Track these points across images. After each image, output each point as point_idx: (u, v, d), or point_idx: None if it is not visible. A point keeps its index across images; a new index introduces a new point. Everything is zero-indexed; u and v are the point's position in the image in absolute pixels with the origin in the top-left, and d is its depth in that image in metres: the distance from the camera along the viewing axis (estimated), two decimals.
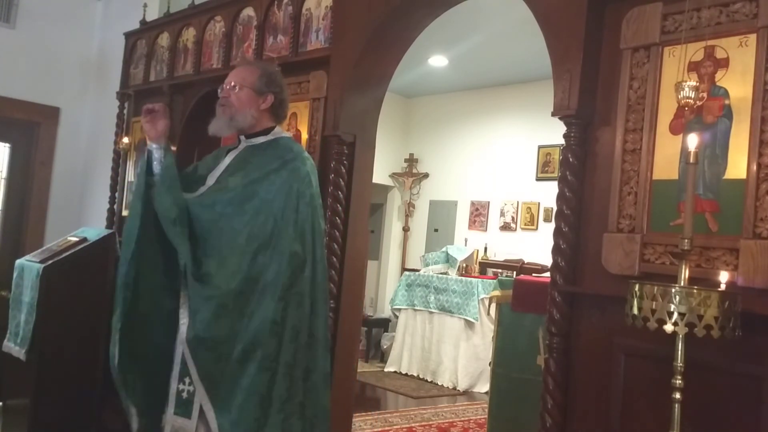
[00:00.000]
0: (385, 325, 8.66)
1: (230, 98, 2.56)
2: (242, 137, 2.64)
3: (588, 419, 2.46)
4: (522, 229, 8.11)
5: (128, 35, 5.38)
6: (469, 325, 7.02)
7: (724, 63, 2.24)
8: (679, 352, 1.93)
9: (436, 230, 9.12)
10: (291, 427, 2.35)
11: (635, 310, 1.95)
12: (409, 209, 9.35)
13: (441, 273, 7.55)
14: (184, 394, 2.44)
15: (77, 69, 5.99)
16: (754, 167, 2.12)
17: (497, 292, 4.07)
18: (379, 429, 5.20)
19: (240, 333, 2.33)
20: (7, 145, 5.79)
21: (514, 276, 5.20)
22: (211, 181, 2.61)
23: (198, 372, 2.37)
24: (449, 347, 7.11)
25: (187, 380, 2.43)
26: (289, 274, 2.36)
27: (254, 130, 2.60)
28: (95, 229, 4.88)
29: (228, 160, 2.63)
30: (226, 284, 2.36)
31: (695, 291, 1.88)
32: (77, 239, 4.57)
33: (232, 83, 2.57)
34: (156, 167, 2.54)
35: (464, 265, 7.70)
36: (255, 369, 2.31)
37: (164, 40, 4.97)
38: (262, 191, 2.44)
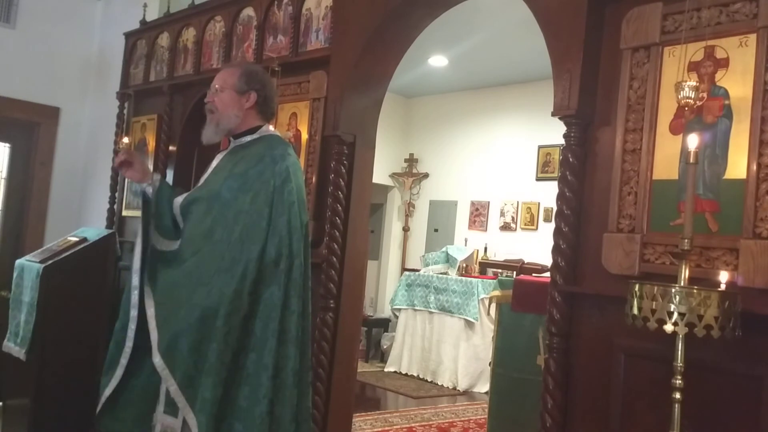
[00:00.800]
0: (385, 325, 8.66)
1: (214, 102, 2.58)
2: (231, 138, 2.66)
3: (588, 419, 2.46)
4: (522, 229, 8.11)
5: (128, 35, 5.38)
6: (469, 325, 7.02)
7: (724, 63, 2.24)
8: (679, 352, 1.93)
9: (436, 230, 9.12)
10: (254, 425, 2.35)
11: (635, 310, 1.95)
12: (409, 209, 9.35)
13: (441, 273, 7.55)
14: (171, 394, 2.43)
15: (77, 69, 5.98)
16: (754, 167, 2.12)
17: (497, 292, 4.07)
18: (379, 429, 5.20)
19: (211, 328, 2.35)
20: (7, 145, 5.78)
21: (514, 276, 5.20)
22: (200, 183, 2.68)
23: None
24: (449, 347, 7.11)
25: None
26: (258, 268, 2.36)
27: (241, 130, 2.62)
28: (95, 229, 4.88)
29: (215, 162, 2.68)
30: (204, 297, 2.36)
31: (695, 291, 1.88)
32: (77, 239, 4.58)
33: (215, 87, 2.60)
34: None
35: (464, 265, 7.69)
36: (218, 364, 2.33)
37: (164, 40, 4.97)
38: (237, 186, 2.46)
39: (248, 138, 2.62)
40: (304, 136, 3.70)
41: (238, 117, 2.58)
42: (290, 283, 2.43)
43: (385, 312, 8.83)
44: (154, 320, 2.41)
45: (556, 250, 2.55)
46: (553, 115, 2.61)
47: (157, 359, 2.35)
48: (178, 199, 2.62)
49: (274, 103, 2.73)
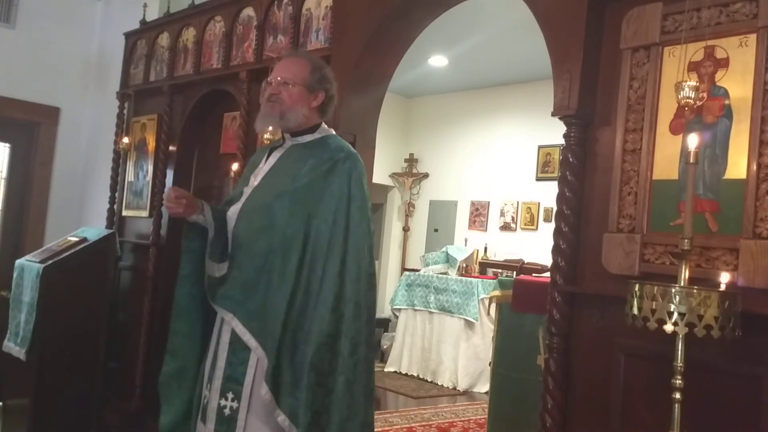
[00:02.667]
0: (385, 325, 8.65)
1: (281, 95, 2.38)
2: (287, 135, 2.49)
3: (588, 419, 2.46)
4: (522, 229, 8.11)
5: (128, 35, 5.38)
6: (469, 325, 7.02)
7: (724, 63, 2.24)
8: (679, 352, 1.93)
9: (436, 230, 9.12)
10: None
11: (635, 310, 1.95)
12: (409, 209, 9.35)
13: (441, 273, 7.55)
14: (227, 411, 2.29)
15: (77, 69, 5.99)
16: (754, 167, 2.12)
17: (497, 292, 4.07)
18: (379, 429, 5.19)
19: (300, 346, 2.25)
20: (7, 145, 5.78)
21: (514, 276, 5.20)
22: (254, 181, 2.46)
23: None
24: (449, 347, 7.10)
25: (230, 396, 2.30)
26: (340, 283, 2.24)
27: (302, 128, 2.45)
28: (95, 229, 4.88)
29: (273, 159, 2.48)
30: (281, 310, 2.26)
31: (695, 291, 1.88)
32: (77, 239, 4.58)
33: (283, 78, 2.39)
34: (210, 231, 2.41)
35: (464, 265, 7.69)
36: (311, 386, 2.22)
37: (164, 40, 4.97)
38: (314, 194, 2.32)
39: (309, 138, 2.46)
40: None
41: (304, 116, 2.41)
42: (369, 294, 2.32)
43: (385, 312, 8.83)
44: (258, 348, 2.28)
45: (556, 250, 2.55)
46: (553, 115, 2.61)
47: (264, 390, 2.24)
48: (234, 209, 2.43)
49: (335, 102, 2.54)
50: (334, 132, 2.54)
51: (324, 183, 2.33)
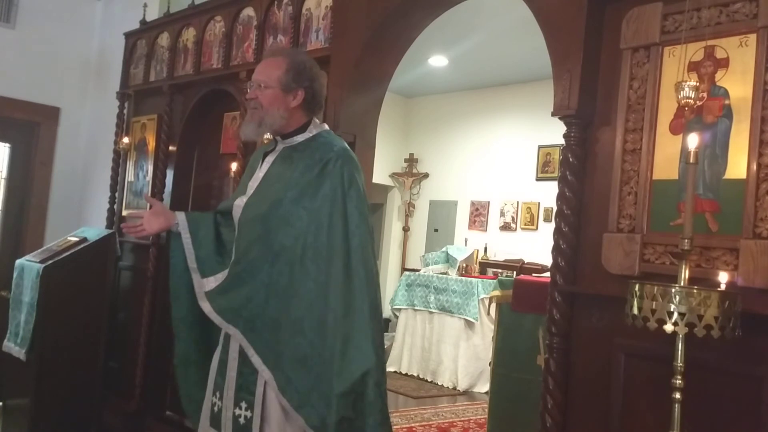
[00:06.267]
0: (385, 325, 8.65)
1: (258, 99, 2.34)
2: (278, 138, 2.43)
3: (588, 419, 2.46)
4: (522, 229, 8.11)
5: (128, 35, 5.38)
6: (469, 325, 7.02)
7: (724, 63, 2.24)
8: (679, 352, 1.93)
9: (436, 230, 9.12)
10: None
11: (635, 310, 1.95)
12: (409, 209, 9.36)
13: (441, 273, 7.55)
14: (242, 420, 2.28)
15: (77, 69, 5.99)
16: (754, 167, 2.12)
17: (497, 292, 4.07)
18: None
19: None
20: (7, 145, 5.79)
21: (514, 276, 5.20)
22: (250, 191, 2.43)
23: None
24: (449, 347, 7.10)
25: (243, 405, 2.29)
26: (347, 289, 2.21)
27: (289, 129, 2.39)
28: (95, 229, 4.89)
29: (266, 166, 2.44)
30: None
31: (695, 291, 1.88)
32: (77, 239, 4.58)
33: (257, 81, 2.36)
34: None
35: (464, 265, 7.69)
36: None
37: (164, 40, 4.97)
38: (309, 200, 2.26)
39: (300, 138, 2.39)
40: None
41: (283, 117, 2.34)
42: (372, 293, 2.26)
43: (385, 312, 8.83)
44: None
45: (556, 250, 2.55)
46: (553, 115, 2.61)
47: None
48: (237, 206, 2.41)
49: (323, 95, 2.47)
50: (327, 127, 2.47)
51: (317, 186, 2.27)
